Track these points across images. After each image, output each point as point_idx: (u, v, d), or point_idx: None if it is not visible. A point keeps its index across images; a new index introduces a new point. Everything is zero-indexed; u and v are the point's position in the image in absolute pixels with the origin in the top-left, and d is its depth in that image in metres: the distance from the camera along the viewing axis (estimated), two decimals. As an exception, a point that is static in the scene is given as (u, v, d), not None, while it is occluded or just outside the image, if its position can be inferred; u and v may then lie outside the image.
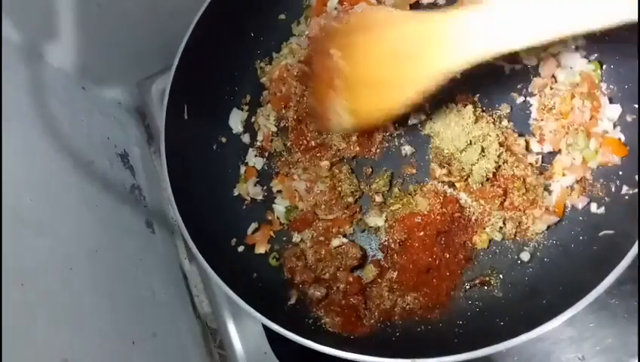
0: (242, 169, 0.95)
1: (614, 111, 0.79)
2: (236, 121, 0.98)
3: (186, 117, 0.90)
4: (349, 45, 0.68)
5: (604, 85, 0.82)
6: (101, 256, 0.86)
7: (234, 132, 0.97)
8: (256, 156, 0.96)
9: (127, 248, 0.97)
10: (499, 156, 0.78)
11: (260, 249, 0.89)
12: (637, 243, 0.63)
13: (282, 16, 1.00)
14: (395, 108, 0.66)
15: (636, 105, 0.77)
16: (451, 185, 0.82)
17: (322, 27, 0.82)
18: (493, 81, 0.86)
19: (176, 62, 0.88)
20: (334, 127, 0.73)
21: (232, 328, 0.99)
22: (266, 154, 0.96)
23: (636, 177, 0.74)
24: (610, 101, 0.81)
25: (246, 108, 0.98)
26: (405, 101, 0.64)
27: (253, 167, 0.95)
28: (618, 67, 0.81)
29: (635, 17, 0.49)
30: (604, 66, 0.82)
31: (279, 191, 0.92)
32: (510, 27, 0.55)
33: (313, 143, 0.90)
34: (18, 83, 0.83)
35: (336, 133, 0.80)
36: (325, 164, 0.88)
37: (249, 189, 0.93)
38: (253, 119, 0.98)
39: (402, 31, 0.63)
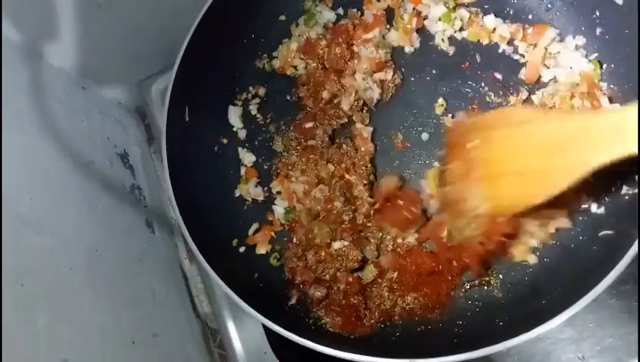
0: (243, 170, 0.95)
1: (615, 111, 0.79)
2: (235, 117, 0.98)
3: (187, 118, 0.90)
4: (489, 138, 0.70)
5: (604, 85, 0.82)
6: (101, 255, 0.86)
7: (234, 128, 0.97)
8: (246, 152, 0.96)
9: (127, 248, 0.97)
10: None
11: (261, 249, 0.89)
12: (637, 243, 0.63)
13: (282, 17, 1.00)
14: (537, 198, 0.66)
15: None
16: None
17: (458, 121, 0.84)
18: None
19: (177, 63, 0.88)
20: (467, 213, 0.72)
21: (232, 328, 0.99)
22: (257, 149, 0.96)
23: (636, 177, 0.74)
24: (610, 101, 0.81)
25: (240, 103, 0.98)
26: (549, 192, 0.64)
27: (251, 166, 0.95)
28: (618, 67, 0.81)
29: None
30: (604, 66, 0.83)
31: (279, 193, 0.92)
32: None
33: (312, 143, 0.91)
34: (18, 83, 0.83)
35: (470, 217, 0.75)
36: (330, 167, 0.88)
37: (250, 190, 0.93)
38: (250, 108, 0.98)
39: (550, 127, 0.64)
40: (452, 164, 0.75)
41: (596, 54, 0.83)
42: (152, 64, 1.14)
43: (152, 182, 1.15)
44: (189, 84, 0.90)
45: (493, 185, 0.69)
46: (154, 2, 1.04)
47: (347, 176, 0.87)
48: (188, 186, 0.86)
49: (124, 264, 0.94)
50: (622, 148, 0.57)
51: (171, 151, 0.86)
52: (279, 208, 0.90)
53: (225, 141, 0.96)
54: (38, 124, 0.85)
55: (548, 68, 0.87)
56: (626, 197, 0.74)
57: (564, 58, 0.86)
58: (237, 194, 0.94)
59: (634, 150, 0.56)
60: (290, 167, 0.91)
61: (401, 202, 0.82)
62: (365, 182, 0.87)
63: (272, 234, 0.90)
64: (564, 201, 0.70)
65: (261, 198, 0.94)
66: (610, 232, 0.72)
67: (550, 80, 0.87)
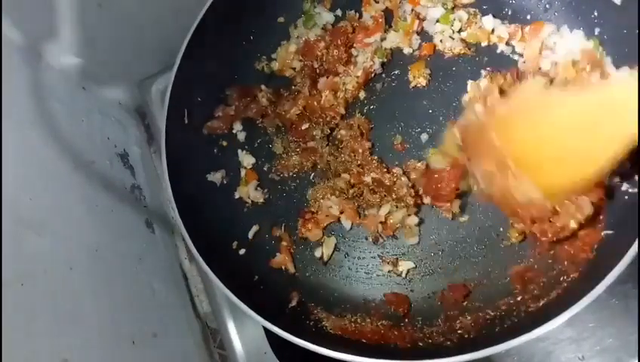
0: (243, 172, 0.95)
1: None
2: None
3: (186, 121, 0.90)
4: (511, 129, 0.67)
5: (607, 59, 0.81)
6: (101, 256, 0.86)
7: (233, 130, 0.97)
8: (246, 154, 0.96)
9: (127, 248, 0.97)
10: None
11: (290, 268, 0.89)
12: (637, 243, 0.63)
13: (281, 19, 1.00)
14: (588, 177, 0.64)
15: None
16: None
17: (465, 125, 0.76)
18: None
19: (177, 63, 0.88)
20: (524, 206, 0.69)
21: (232, 328, 0.99)
22: (256, 152, 0.96)
23: (636, 177, 0.74)
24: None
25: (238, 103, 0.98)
26: (597, 168, 0.62)
27: (251, 169, 0.95)
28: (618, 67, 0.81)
29: None
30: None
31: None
32: None
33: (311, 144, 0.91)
34: (18, 83, 0.83)
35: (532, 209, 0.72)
36: (345, 176, 0.89)
37: (250, 192, 0.93)
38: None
39: (574, 105, 0.62)
40: (482, 166, 0.71)
41: (598, 29, 0.82)
42: (152, 64, 1.14)
43: (152, 182, 1.15)
44: (189, 85, 0.90)
45: (537, 175, 0.66)
46: (154, 2, 1.04)
47: (365, 178, 0.87)
48: (188, 189, 0.86)
49: (124, 264, 0.93)
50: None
51: (171, 153, 0.86)
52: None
53: (224, 143, 0.96)
54: (38, 124, 0.85)
55: (545, 58, 0.86)
56: (626, 197, 0.75)
57: (561, 45, 0.85)
58: (237, 196, 0.94)
59: None
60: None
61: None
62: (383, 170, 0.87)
63: (291, 250, 0.90)
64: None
65: (261, 201, 0.94)
66: (610, 232, 0.73)
67: (551, 66, 0.86)
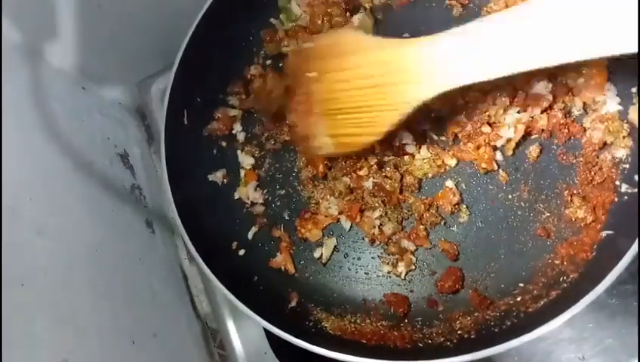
0: (242, 173, 0.95)
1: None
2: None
3: (185, 122, 0.90)
4: (323, 69, 0.68)
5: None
6: (101, 256, 0.86)
7: (233, 131, 0.97)
8: (245, 155, 0.96)
9: (127, 248, 0.97)
10: None
11: (290, 268, 0.89)
12: (637, 243, 0.63)
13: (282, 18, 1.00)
14: (373, 135, 0.66)
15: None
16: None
17: (297, 49, 0.80)
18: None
19: (176, 63, 0.88)
20: (316, 150, 0.73)
21: (232, 328, 0.99)
22: (256, 153, 0.96)
23: (636, 177, 0.74)
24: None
25: (238, 103, 0.98)
26: (382, 129, 0.65)
27: (250, 169, 0.95)
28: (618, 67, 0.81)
29: (635, 49, 0.47)
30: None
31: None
32: (489, 55, 0.53)
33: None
34: (18, 83, 0.83)
35: (318, 155, 0.80)
36: (346, 180, 0.88)
37: (249, 193, 0.93)
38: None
39: (374, 57, 0.63)
40: (296, 97, 0.72)
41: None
42: (152, 64, 1.14)
43: (152, 182, 1.15)
44: (189, 85, 0.90)
45: (332, 123, 0.68)
46: (154, 2, 1.03)
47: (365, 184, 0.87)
48: (187, 189, 0.86)
49: (124, 264, 0.93)
50: (441, 83, 0.56)
51: (170, 153, 0.86)
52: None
53: (224, 143, 0.96)
54: (38, 124, 0.84)
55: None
56: (626, 197, 0.75)
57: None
58: (236, 197, 0.94)
59: (453, 84, 0.56)
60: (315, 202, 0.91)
61: None
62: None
63: (291, 251, 0.90)
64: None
65: (260, 201, 0.93)
66: (610, 232, 0.73)
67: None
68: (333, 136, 0.68)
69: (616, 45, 0.47)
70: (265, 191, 0.94)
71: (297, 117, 0.72)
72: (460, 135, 0.85)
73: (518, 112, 0.82)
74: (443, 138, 0.86)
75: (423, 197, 0.86)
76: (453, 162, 0.85)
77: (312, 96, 0.69)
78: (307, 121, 0.70)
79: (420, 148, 0.86)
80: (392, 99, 0.62)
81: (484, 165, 0.83)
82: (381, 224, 0.86)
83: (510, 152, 0.83)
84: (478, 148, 0.83)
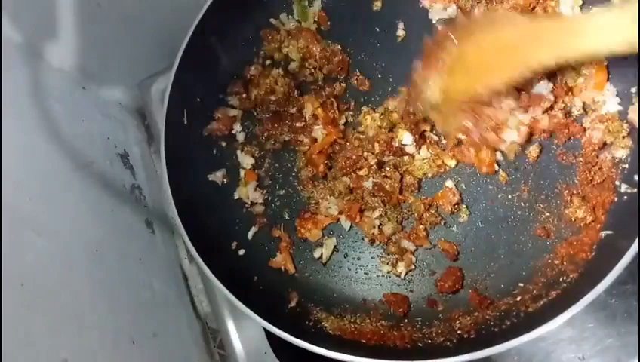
0: (242, 173, 0.95)
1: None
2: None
3: (185, 122, 0.90)
4: (468, 37, 0.76)
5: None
6: (101, 256, 0.86)
7: (233, 131, 0.97)
8: (245, 155, 0.96)
9: (127, 248, 0.97)
10: None
11: (290, 268, 0.89)
12: (636, 243, 0.63)
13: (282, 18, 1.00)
14: (478, 89, 0.75)
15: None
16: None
17: (452, 22, 0.87)
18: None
19: (176, 63, 0.88)
20: (423, 101, 0.80)
21: (232, 328, 0.99)
22: (255, 153, 0.96)
23: (636, 177, 0.74)
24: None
25: (238, 103, 0.98)
26: (491, 86, 0.74)
27: (250, 169, 0.95)
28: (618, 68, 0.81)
29: None
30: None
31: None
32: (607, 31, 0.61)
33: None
34: (18, 83, 0.83)
35: (422, 108, 0.84)
36: (346, 180, 0.89)
37: (249, 193, 0.93)
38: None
39: (515, 28, 0.71)
40: (427, 52, 0.80)
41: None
42: (152, 64, 1.14)
43: (152, 182, 1.15)
44: (189, 85, 0.90)
45: (448, 80, 0.77)
46: (154, 2, 1.03)
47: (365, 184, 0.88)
48: (187, 189, 0.86)
49: (124, 264, 0.93)
50: (563, 51, 0.65)
51: (170, 153, 0.86)
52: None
53: (223, 144, 0.96)
54: (38, 124, 0.85)
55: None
56: (626, 197, 0.75)
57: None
58: (236, 197, 0.94)
59: (573, 54, 0.64)
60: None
61: None
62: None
63: (290, 250, 0.90)
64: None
65: (260, 201, 0.93)
66: (610, 232, 0.73)
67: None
68: (445, 90, 0.77)
69: None
70: (265, 191, 0.94)
71: (423, 68, 0.80)
72: (463, 140, 0.84)
73: (521, 114, 0.82)
74: (444, 140, 0.86)
75: (423, 197, 0.86)
76: (452, 163, 0.86)
77: (446, 53, 0.77)
78: (428, 73, 0.78)
79: (419, 148, 0.87)
80: (514, 61, 0.71)
81: (485, 169, 0.83)
82: (381, 224, 0.86)
83: (512, 156, 0.83)
84: (480, 151, 0.83)
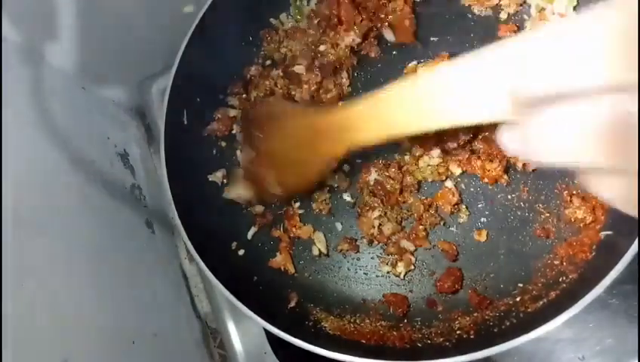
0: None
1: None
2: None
3: (185, 122, 0.90)
4: (266, 129, 0.81)
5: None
6: (101, 256, 0.86)
7: (233, 131, 0.97)
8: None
9: (127, 248, 0.97)
10: None
11: (290, 268, 0.89)
12: (637, 243, 0.63)
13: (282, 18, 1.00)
14: (310, 180, 0.80)
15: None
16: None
17: (246, 110, 0.94)
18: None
19: (176, 63, 0.88)
20: (268, 194, 0.83)
21: (232, 328, 0.99)
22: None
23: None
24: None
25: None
26: (316, 176, 0.79)
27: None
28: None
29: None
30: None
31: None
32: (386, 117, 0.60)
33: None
34: (18, 83, 0.83)
35: (269, 199, 0.90)
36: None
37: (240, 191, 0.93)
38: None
39: (302, 123, 0.76)
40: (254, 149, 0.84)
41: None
42: (152, 64, 1.14)
43: (152, 182, 1.15)
44: (188, 85, 0.90)
45: (278, 172, 0.80)
46: (154, 2, 1.03)
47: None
48: (187, 189, 0.86)
49: (124, 264, 0.94)
50: (350, 141, 0.67)
51: (170, 153, 0.86)
52: None
53: (223, 144, 0.96)
54: (38, 123, 0.85)
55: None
56: (626, 198, 0.74)
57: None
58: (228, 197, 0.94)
59: (359, 141, 0.65)
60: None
61: None
62: None
63: (290, 251, 0.90)
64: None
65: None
66: (609, 233, 0.72)
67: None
68: (280, 182, 0.81)
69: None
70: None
71: (254, 165, 0.85)
72: (480, 152, 0.83)
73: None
74: (458, 150, 0.84)
75: (423, 198, 0.86)
76: (458, 171, 0.85)
77: (261, 151, 0.82)
78: (260, 169, 0.83)
79: (429, 153, 0.85)
80: (318, 153, 0.73)
81: (491, 180, 0.82)
82: (380, 224, 0.86)
83: (520, 166, 0.82)
84: (492, 162, 0.82)
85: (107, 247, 0.89)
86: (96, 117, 1.06)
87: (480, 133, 0.83)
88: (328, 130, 0.70)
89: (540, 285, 0.75)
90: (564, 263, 0.75)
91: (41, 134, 0.84)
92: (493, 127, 0.44)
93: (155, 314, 0.96)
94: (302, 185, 0.83)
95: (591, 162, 0.34)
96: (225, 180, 0.94)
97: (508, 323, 0.72)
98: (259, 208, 0.93)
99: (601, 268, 0.64)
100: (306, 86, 0.91)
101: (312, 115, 0.75)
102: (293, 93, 0.93)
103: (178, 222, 0.81)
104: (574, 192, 0.79)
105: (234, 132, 0.97)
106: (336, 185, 0.90)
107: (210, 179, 0.93)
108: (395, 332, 0.79)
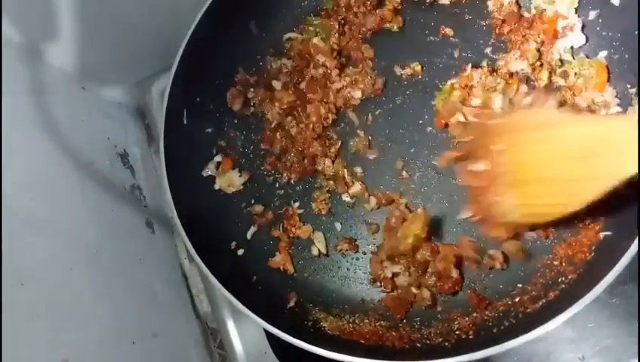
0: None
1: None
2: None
3: (185, 121, 0.90)
4: (512, 141, 0.67)
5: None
6: (101, 256, 0.86)
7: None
8: None
9: (127, 248, 0.97)
10: None
11: (289, 268, 0.89)
12: (636, 243, 0.63)
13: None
14: (570, 206, 0.63)
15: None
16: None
17: (480, 124, 0.76)
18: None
19: (176, 63, 0.88)
20: (501, 219, 0.70)
21: (232, 328, 0.99)
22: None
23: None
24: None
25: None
26: (580, 203, 0.62)
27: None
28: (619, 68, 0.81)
29: None
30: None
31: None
32: None
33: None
34: (18, 83, 0.83)
35: (503, 232, 0.77)
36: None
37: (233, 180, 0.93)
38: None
39: (575, 131, 0.61)
40: (480, 163, 0.71)
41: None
42: (152, 64, 1.14)
43: (152, 182, 1.15)
44: (188, 85, 0.90)
45: (523, 192, 0.65)
46: (154, 2, 1.03)
47: None
48: (186, 189, 0.86)
49: (124, 264, 0.94)
50: None
51: (170, 153, 0.86)
52: None
53: (223, 144, 0.96)
54: (38, 124, 0.85)
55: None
56: (625, 198, 0.74)
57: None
58: (217, 187, 0.94)
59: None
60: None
61: None
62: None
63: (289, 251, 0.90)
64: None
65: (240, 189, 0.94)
66: (609, 233, 0.72)
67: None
68: (522, 205, 0.67)
69: None
70: (264, 190, 0.94)
71: (478, 193, 0.71)
72: None
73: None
74: None
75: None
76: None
77: (497, 168, 0.68)
78: (489, 193, 0.69)
79: None
80: (591, 171, 0.59)
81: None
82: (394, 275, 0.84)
83: None
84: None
85: (107, 247, 0.89)
86: (97, 117, 1.06)
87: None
88: (619, 138, 0.56)
89: (539, 285, 0.75)
90: (564, 264, 0.75)
91: (40, 134, 0.84)
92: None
93: (154, 314, 0.96)
94: (556, 210, 0.65)
95: None
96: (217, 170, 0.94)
97: (507, 324, 0.72)
98: (258, 208, 0.93)
99: (600, 269, 0.64)
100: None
101: (596, 122, 0.62)
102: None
103: (178, 222, 0.81)
104: None
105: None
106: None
107: (209, 180, 0.93)
108: (394, 333, 0.79)
